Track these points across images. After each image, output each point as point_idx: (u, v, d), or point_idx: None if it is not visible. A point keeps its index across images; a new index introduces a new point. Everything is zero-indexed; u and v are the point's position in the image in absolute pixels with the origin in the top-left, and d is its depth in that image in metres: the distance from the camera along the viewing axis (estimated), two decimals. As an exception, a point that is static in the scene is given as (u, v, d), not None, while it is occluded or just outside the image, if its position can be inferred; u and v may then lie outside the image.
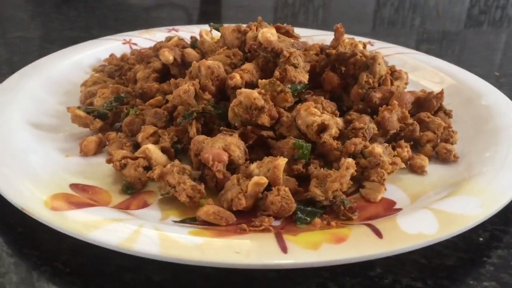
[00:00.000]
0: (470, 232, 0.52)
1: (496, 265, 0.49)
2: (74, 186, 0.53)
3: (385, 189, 0.56)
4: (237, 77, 0.61)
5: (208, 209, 0.49)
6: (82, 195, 0.51)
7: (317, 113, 0.57)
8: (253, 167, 0.54)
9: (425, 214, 0.49)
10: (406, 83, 0.77)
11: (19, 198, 0.48)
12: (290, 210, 0.50)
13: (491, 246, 0.51)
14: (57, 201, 0.48)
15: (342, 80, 0.67)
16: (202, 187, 0.52)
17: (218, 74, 0.61)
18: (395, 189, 0.57)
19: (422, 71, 0.87)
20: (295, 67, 0.62)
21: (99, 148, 0.61)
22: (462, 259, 0.49)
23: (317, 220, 0.50)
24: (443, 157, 0.62)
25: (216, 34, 0.76)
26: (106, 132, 0.63)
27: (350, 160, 0.52)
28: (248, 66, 0.63)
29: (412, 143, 0.63)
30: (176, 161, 0.55)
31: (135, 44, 0.91)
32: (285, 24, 0.71)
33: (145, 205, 0.53)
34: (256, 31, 0.66)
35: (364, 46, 0.72)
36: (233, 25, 0.70)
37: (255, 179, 0.50)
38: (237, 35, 0.69)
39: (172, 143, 0.60)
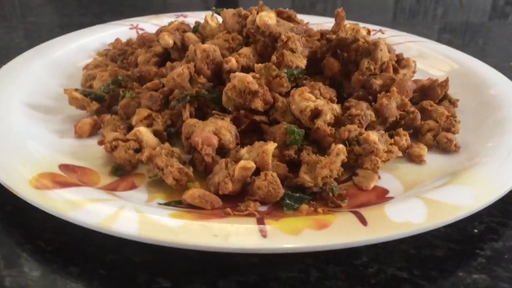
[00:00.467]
0: (465, 223, 0.51)
1: (489, 257, 0.47)
2: (63, 166, 0.53)
3: (379, 177, 0.54)
4: (232, 61, 0.60)
5: (194, 192, 0.49)
6: (70, 176, 0.51)
7: (311, 98, 0.56)
8: (243, 151, 0.53)
9: (415, 202, 0.47)
10: (414, 72, 0.75)
11: (4, 175, 0.48)
12: (277, 195, 0.49)
13: (486, 239, 0.49)
14: (42, 180, 0.48)
15: (343, 66, 0.66)
16: (189, 170, 0.51)
17: (213, 57, 0.60)
18: (390, 177, 0.56)
19: (432, 59, 0.85)
20: (293, 51, 0.61)
21: (94, 130, 0.61)
22: (454, 250, 0.48)
23: (304, 206, 0.49)
24: (444, 147, 0.60)
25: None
26: (103, 114, 0.63)
27: (340, 146, 0.51)
28: (245, 50, 0.62)
29: (411, 131, 0.61)
30: (166, 144, 0.54)
31: (142, 29, 0.91)
32: (287, 9, 0.70)
33: (133, 187, 0.52)
34: (257, 15, 0.65)
35: (369, 32, 0.70)
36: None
37: (242, 163, 0.49)
38: (238, 19, 0.68)
39: (165, 127, 0.59)
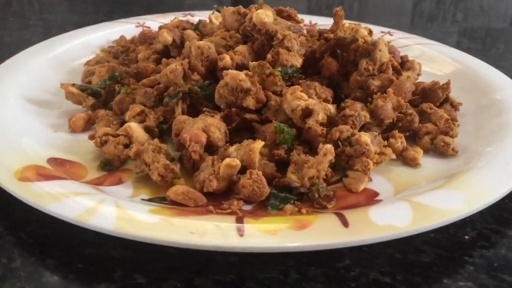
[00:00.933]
0: (456, 229, 0.49)
1: (478, 265, 0.45)
2: (52, 160, 0.53)
3: (370, 180, 0.53)
4: (226, 58, 0.59)
5: (178, 189, 0.48)
6: (57, 169, 0.51)
7: (303, 97, 0.55)
8: (231, 149, 0.53)
9: (401, 206, 0.46)
10: (419, 74, 0.73)
11: (-11, 166, 0.48)
12: (262, 194, 0.48)
13: (476, 246, 0.48)
14: (27, 172, 0.48)
15: (342, 66, 0.64)
16: (176, 167, 0.51)
17: (208, 54, 0.60)
18: (382, 180, 0.54)
19: (440, 62, 0.83)
20: (289, 50, 0.60)
21: (88, 125, 0.61)
22: (441, 256, 0.46)
23: (288, 206, 0.48)
24: (441, 150, 0.58)
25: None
26: (98, 109, 0.63)
27: (328, 146, 0.50)
28: (241, 48, 0.62)
29: (407, 134, 0.60)
30: (155, 140, 0.54)
31: (148, 27, 0.91)
32: (287, 8, 0.69)
33: (119, 182, 0.52)
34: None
35: (370, 33, 0.69)
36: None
37: (226, 160, 0.49)
38: (237, 17, 0.67)
39: (158, 123, 0.59)
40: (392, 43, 0.76)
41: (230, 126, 0.56)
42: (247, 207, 0.49)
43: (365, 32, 0.66)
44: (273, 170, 0.52)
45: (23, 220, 0.48)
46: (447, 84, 0.65)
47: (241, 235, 0.41)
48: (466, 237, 0.49)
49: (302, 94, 0.55)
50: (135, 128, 0.56)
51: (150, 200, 0.49)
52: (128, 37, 0.87)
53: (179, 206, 0.48)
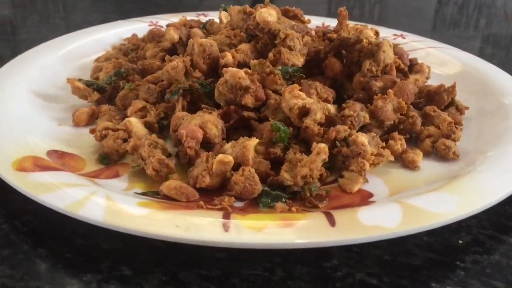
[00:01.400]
0: (451, 234, 0.48)
1: (469, 270, 0.44)
2: (52, 152, 0.54)
3: (366, 181, 0.52)
4: (228, 56, 0.59)
5: (170, 183, 0.49)
6: (55, 161, 0.52)
7: (301, 96, 0.55)
8: (227, 146, 0.53)
9: (392, 207, 0.45)
10: (427, 77, 0.72)
11: (-12, 155, 0.49)
12: (253, 191, 0.48)
13: (470, 251, 0.47)
14: (24, 162, 0.49)
15: (346, 67, 0.64)
16: (171, 162, 0.51)
17: (210, 52, 0.60)
18: (379, 182, 0.54)
19: (450, 66, 0.81)
20: (291, 49, 0.60)
21: (91, 120, 0.62)
22: (432, 260, 0.45)
23: (279, 204, 0.48)
24: (442, 154, 0.57)
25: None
26: (102, 104, 0.64)
27: (322, 145, 0.50)
28: (243, 46, 0.62)
29: (408, 136, 0.59)
30: (153, 135, 0.54)
31: (161, 26, 0.92)
32: (293, 8, 0.69)
33: (115, 175, 0.53)
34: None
35: (377, 34, 0.68)
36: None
37: (219, 157, 0.49)
38: (243, 16, 0.67)
39: (158, 119, 0.60)
40: (402, 46, 0.75)
41: (228, 123, 0.56)
42: (239, 204, 0.49)
43: (370, 33, 0.65)
44: (268, 168, 0.52)
45: (20, 209, 0.49)
46: (452, 87, 0.64)
47: (226, 231, 0.41)
48: (460, 241, 0.48)
49: (300, 93, 0.55)
50: (134, 123, 0.57)
51: (143, 194, 0.49)
52: (141, 35, 0.88)
53: (171, 201, 0.48)
